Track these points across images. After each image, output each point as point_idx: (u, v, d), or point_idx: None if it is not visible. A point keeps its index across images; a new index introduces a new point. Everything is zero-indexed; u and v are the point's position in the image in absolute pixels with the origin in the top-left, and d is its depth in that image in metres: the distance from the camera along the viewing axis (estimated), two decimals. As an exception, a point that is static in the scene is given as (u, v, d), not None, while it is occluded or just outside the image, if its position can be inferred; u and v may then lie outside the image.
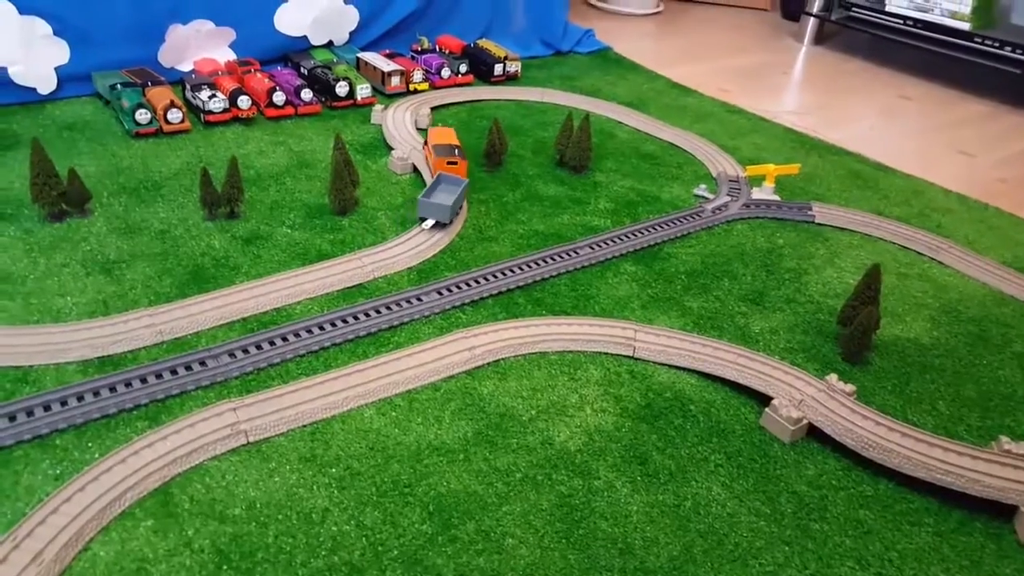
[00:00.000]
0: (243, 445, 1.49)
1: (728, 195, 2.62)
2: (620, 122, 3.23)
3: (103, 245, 2.07)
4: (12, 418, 1.47)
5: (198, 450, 1.45)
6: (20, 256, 1.98)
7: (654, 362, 1.83)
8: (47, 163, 2.09)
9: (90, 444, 1.45)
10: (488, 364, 1.77)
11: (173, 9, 2.99)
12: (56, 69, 2.85)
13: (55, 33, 2.80)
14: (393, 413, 1.62)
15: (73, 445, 1.45)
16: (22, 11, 2.70)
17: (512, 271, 2.11)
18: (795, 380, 1.72)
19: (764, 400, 1.71)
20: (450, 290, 2.01)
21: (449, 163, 2.45)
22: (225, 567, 1.26)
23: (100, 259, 2.00)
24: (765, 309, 2.07)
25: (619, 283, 2.12)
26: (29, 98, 2.84)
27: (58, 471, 1.39)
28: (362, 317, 1.87)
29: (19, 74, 2.78)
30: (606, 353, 1.84)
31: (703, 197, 2.62)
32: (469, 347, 1.78)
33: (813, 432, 1.65)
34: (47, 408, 1.51)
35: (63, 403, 1.52)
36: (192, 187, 2.40)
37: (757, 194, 2.62)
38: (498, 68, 3.50)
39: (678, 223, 2.42)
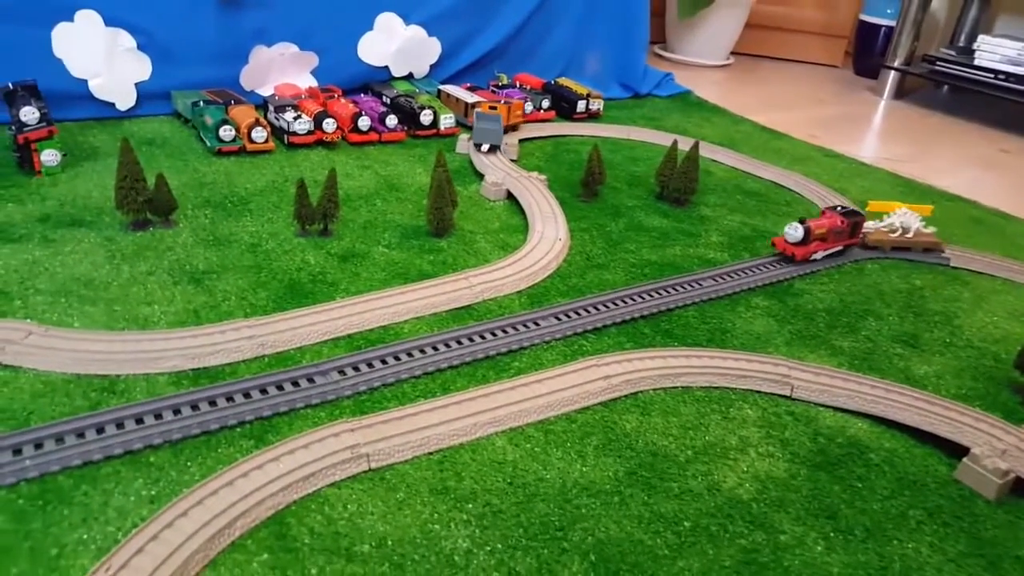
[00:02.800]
0: (365, 472, 1.29)
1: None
2: (714, 160, 3.10)
3: (190, 255, 1.93)
4: (100, 430, 1.29)
5: (316, 475, 1.25)
6: (102, 262, 1.84)
7: (815, 403, 1.61)
8: (135, 166, 1.97)
9: (189, 463, 1.26)
10: (626, 396, 1.58)
11: (259, 30, 2.96)
12: (136, 85, 2.79)
13: (139, 47, 2.75)
14: (528, 444, 1.41)
15: (169, 463, 1.26)
16: (108, 22, 2.67)
17: (632, 299, 1.93)
18: (992, 428, 1.49)
19: (952, 450, 1.49)
20: (568, 315, 1.83)
21: (491, 107, 2.91)
22: (359, 616, 1.05)
23: (188, 269, 1.86)
24: (923, 352, 1.86)
25: (753, 318, 1.93)
26: (107, 113, 2.77)
27: (153, 492, 1.20)
28: (477, 339, 1.69)
29: (99, 87, 2.72)
30: (758, 392, 1.64)
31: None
32: (604, 376, 1.59)
33: (1017, 487, 1.41)
34: (139, 421, 1.32)
35: (157, 416, 1.34)
36: (280, 204, 2.27)
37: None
38: (581, 105, 3.41)
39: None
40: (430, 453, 1.36)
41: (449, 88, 3.28)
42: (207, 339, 1.56)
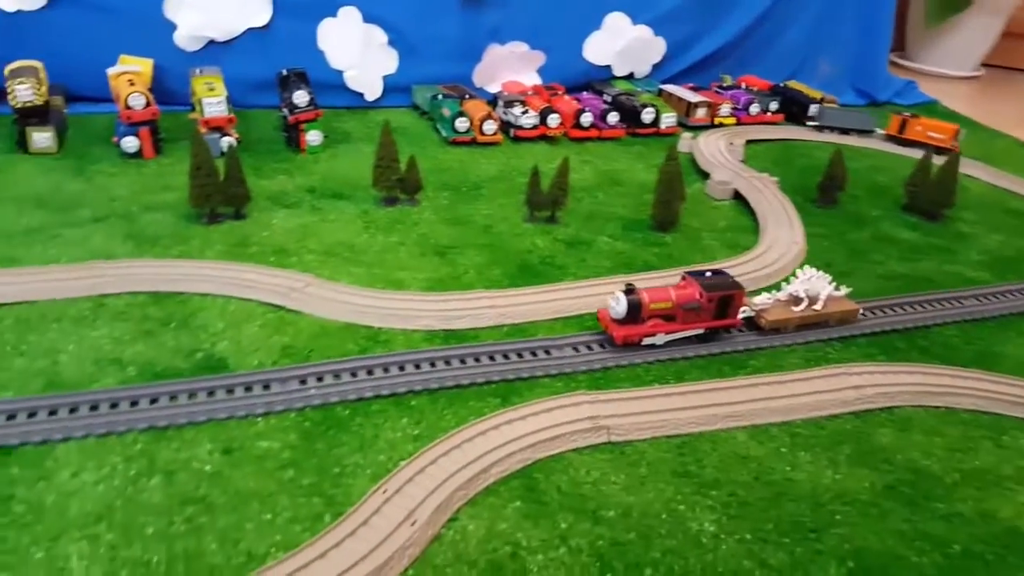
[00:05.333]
0: (605, 443, 1.34)
1: None
2: (969, 175, 2.83)
3: (434, 231, 2.10)
4: (370, 372, 1.45)
5: (559, 438, 1.31)
6: (360, 231, 2.06)
7: (1113, 443, 1.43)
8: (392, 148, 2.19)
9: (445, 411, 1.38)
10: (879, 409, 1.49)
11: (495, 29, 3.15)
12: (384, 78, 3.09)
13: (390, 43, 3.05)
14: (772, 444, 1.38)
15: (428, 408, 1.38)
16: (366, 18, 2.98)
17: (883, 311, 1.83)
18: None
19: None
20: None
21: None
22: (609, 575, 1.08)
23: (432, 243, 2.03)
24: None
25: (1028, 344, 1.75)
26: (356, 103, 3.09)
27: (416, 432, 1.32)
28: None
29: (352, 79, 3.04)
30: (1038, 421, 1.48)
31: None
32: (854, 386, 1.52)
33: None
34: (401, 368, 1.47)
35: (416, 366, 1.48)
36: (509, 191, 2.41)
37: None
38: (813, 109, 3.27)
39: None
40: (669, 436, 1.37)
41: (671, 87, 3.30)
42: (456, 304, 1.69)
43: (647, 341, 1.59)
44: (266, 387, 1.38)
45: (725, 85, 3.46)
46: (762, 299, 1.72)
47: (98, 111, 2.69)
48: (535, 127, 2.87)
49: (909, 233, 2.32)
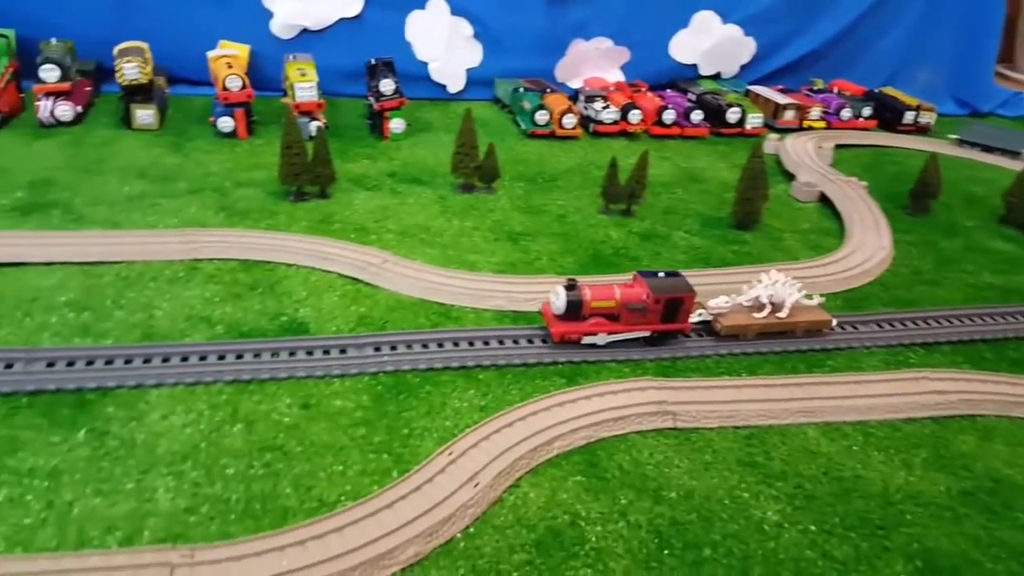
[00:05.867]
0: (670, 428, 1.35)
1: None
2: (1078, 190, 2.69)
3: (508, 218, 2.15)
4: (440, 344, 1.51)
5: (624, 419, 1.34)
6: (437, 215, 2.13)
7: None
8: (472, 135, 2.25)
9: (511, 386, 1.42)
10: (961, 416, 1.45)
11: (580, 24, 3.20)
12: (467, 70, 3.17)
13: (475, 36, 3.13)
14: (844, 441, 1.37)
15: (495, 382, 1.43)
16: (453, 11, 3.06)
17: (972, 320, 1.77)
18: None
19: None
20: (892, 325, 1.73)
21: None
22: (667, 552, 1.10)
23: (506, 229, 2.08)
24: None
25: None
26: (438, 95, 3.19)
27: (482, 403, 1.37)
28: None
29: (437, 71, 3.14)
30: None
31: None
32: (937, 391, 1.48)
33: None
34: (471, 343, 1.52)
35: (485, 342, 1.53)
36: (584, 184, 2.44)
37: None
38: (908, 116, 3.18)
39: None
40: (737, 427, 1.38)
41: (759, 88, 3.26)
42: (525, 287, 1.73)
43: (587, 340, 1.52)
44: (343, 351, 1.45)
45: (816, 88, 3.39)
46: (718, 302, 1.62)
47: (196, 93, 2.87)
48: (615, 122, 2.89)
49: (1005, 245, 2.23)
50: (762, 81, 3.44)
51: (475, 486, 1.15)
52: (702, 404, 1.39)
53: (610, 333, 1.53)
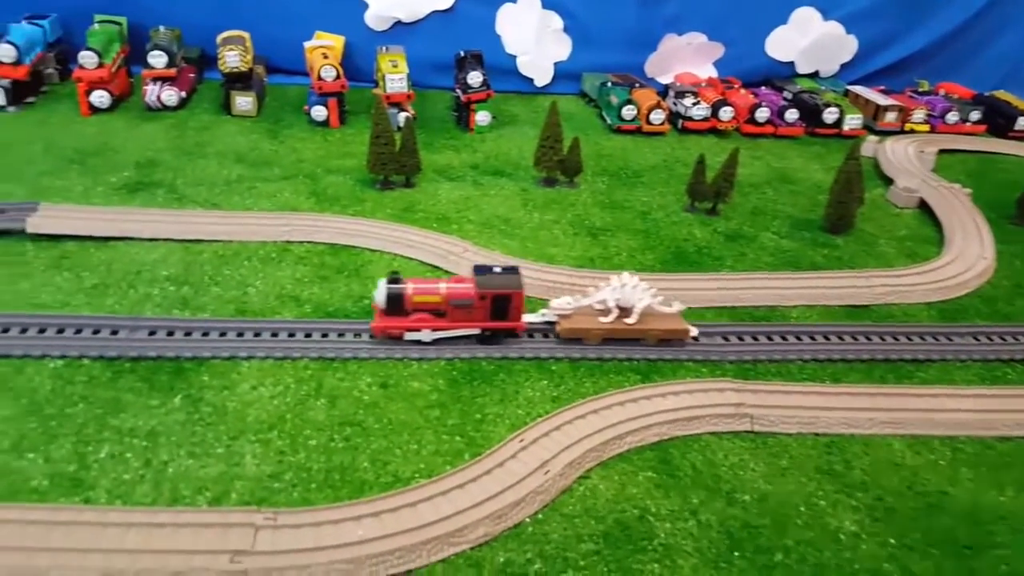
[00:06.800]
0: (747, 431, 1.35)
1: None
2: None
3: (589, 213, 2.17)
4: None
5: (699, 419, 1.34)
6: (517, 207, 2.17)
7: None
8: (557, 128, 2.28)
9: (584, 379, 1.45)
10: (1065, 439, 1.39)
11: (674, 18, 3.17)
12: (555, 64, 3.20)
13: (565, 29, 3.15)
14: (931, 456, 1.33)
15: (569, 375, 1.46)
16: (545, 4, 3.10)
17: (1082, 339, 1.68)
18: None
19: None
20: (990, 338, 1.66)
21: None
22: (737, 554, 1.10)
23: (587, 224, 2.10)
24: None
25: None
26: (525, 88, 3.22)
27: (555, 394, 1.41)
28: (876, 339, 1.63)
29: (525, 64, 3.18)
30: None
31: None
32: (1037, 409, 1.42)
33: None
34: (545, 335, 1.55)
35: (560, 335, 1.56)
36: (669, 181, 2.43)
37: None
38: (1021, 122, 3.02)
39: None
40: (817, 434, 1.36)
41: (859, 88, 3.16)
42: (599, 284, 1.74)
43: (411, 336, 1.48)
44: (421, 336, 1.52)
45: (921, 90, 3.25)
46: (561, 303, 1.54)
47: (292, 82, 3.00)
48: (705, 119, 2.86)
49: (1125, 260, 2.09)
50: (863, 81, 3.33)
51: (545, 473, 1.18)
52: (781, 409, 1.38)
53: (435, 330, 1.49)
